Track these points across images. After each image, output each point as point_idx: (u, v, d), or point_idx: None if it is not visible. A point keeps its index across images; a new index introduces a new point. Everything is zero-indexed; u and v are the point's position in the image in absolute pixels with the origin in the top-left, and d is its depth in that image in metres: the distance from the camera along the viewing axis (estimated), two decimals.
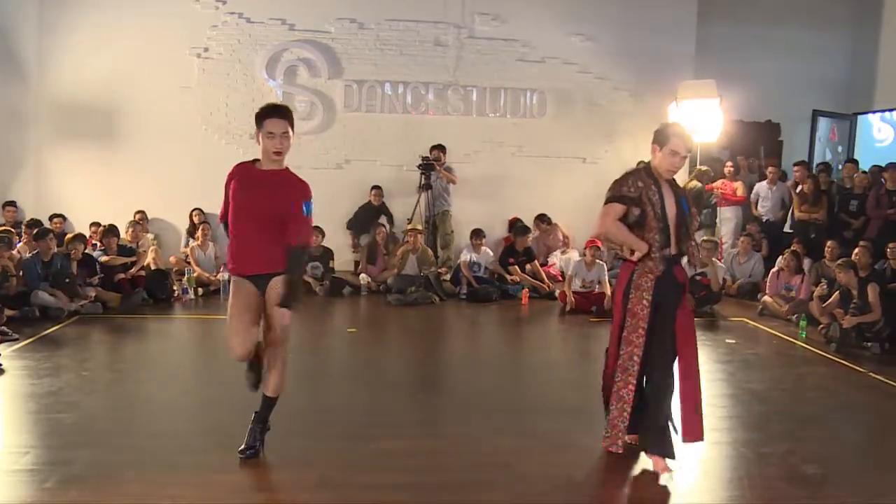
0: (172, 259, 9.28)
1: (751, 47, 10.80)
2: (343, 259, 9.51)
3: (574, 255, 9.34)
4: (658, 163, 3.66)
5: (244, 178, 3.57)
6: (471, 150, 10.25)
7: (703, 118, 9.51)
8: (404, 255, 8.70)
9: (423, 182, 9.40)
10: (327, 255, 8.86)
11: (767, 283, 8.20)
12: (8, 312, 6.46)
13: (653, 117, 10.08)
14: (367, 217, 9.87)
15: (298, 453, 3.51)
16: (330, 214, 8.98)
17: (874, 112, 11.09)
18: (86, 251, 7.89)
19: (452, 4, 10.12)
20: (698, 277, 7.74)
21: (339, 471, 3.62)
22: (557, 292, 8.40)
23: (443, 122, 10.21)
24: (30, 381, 4.99)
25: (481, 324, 7.77)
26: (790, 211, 9.47)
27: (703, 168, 9.95)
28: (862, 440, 4.51)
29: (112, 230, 8.27)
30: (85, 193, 9.63)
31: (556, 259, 9.83)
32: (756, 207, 9.92)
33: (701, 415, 3.64)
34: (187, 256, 8.89)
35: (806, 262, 8.18)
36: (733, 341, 6.78)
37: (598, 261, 8.21)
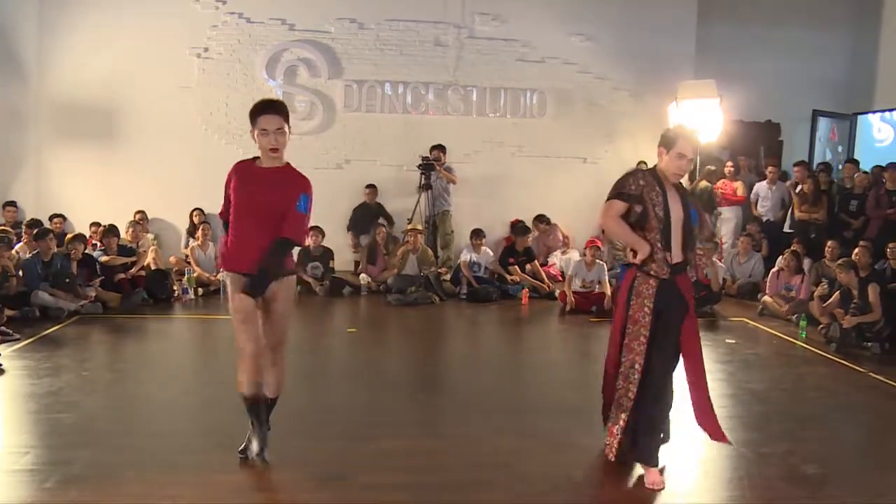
0: (172, 259, 9.29)
1: (751, 47, 10.80)
2: (343, 259, 9.51)
3: (574, 255, 9.34)
4: (665, 166, 3.59)
5: (244, 175, 3.52)
6: (471, 150, 10.25)
7: (703, 118, 9.50)
8: (404, 255, 8.70)
9: (423, 182, 9.40)
10: (327, 255, 8.86)
11: (767, 283, 8.20)
12: (8, 312, 6.46)
13: (653, 117, 10.14)
14: (366, 217, 9.87)
15: (298, 453, 3.51)
16: (330, 214, 8.97)
17: (874, 112, 11.09)
18: (86, 251, 7.89)
19: (452, 4, 10.12)
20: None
21: (339, 471, 3.62)
22: (557, 292, 8.40)
23: (443, 122, 10.21)
24: (30, 381, 4.99)
25: (481, 324, 7.77)
26: (790, 211, 9.47)
27: (713, 168, 9.96)
28: (862, 440, 4.51)
29: (112, 230, 8.27)
30: (85, 193, 9.63)
31: (556, 259, 9.83)
32: (756, 207, 9.92)
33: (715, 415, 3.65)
34: (187, 256, 8.89)
35: (806, 262, 8.18)
36: (733, 341, 6.78)
37: (598, 261, 8.21)
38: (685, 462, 3.84)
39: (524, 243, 9.14)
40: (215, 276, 8.54)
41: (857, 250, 7.13)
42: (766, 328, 7.40)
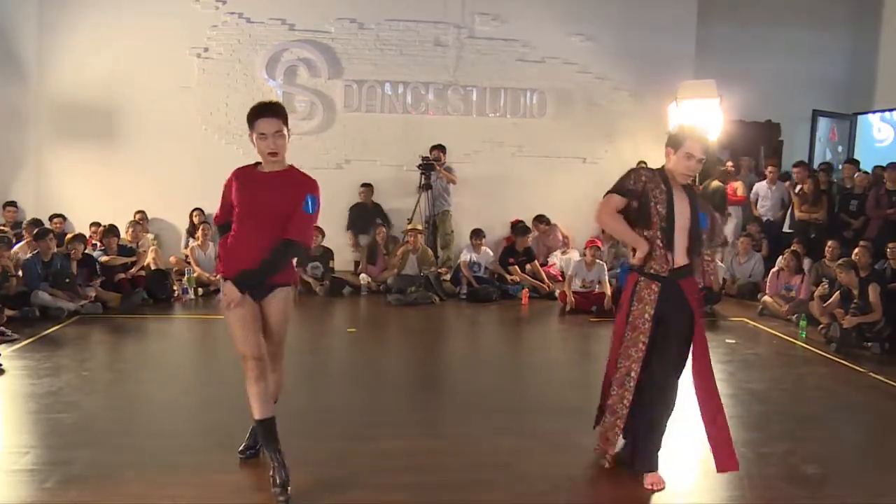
0: (172, 259, 9.29)
1: (751, 47, 10.80)
2: (343, 259, 9.51)
3: (574, 255, 9.34)
4: (672, 167, 3.48)
5: (246, 181, 3.36)
6: (471, 150, 10.25)
7: (704, 118, 9.50)
8: (404, 255, 8.70)
9: (423, 182, 9.40)
10: (327, 255, 8.86)
11: (767, 283, 8.20)
12: (8, 312, 6.47)
13: (653, 117, 10.16)
14: (363, 216, 9.87)
15: (298, 453, 3.50)
16: (330, 215, 8.90)
17: (874, 112, 11.10)
18: (86, 251, 7.89)
19: (452, 4, 10.12)
20: None
21: (339, 471, 3.62)
22: (557, 292, 8.40)
23: (443, 122, 10.21)
24: (30, 381, 4.99)
25: (481, 324, 7.77)
26: (789, 211, 9.47)
27: (724, 168, 9.97)
28: (862, 440, 4.51)
29: (112, 230, 8.28)
30: (85, 193, 9.64)
31: (556, 259, 9.83)
32: (756, 207, 9.92)
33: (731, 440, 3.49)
34: (187, 256, 8.89)
35: (806, 262, 8.18)
36: (733, 341, 6.78)
37: (598, 261, 8.21)
38: (685, 462, 3.84)
39: (524, 243, 9.15)
40: (215, 276, 8.53)
41: (856, 250, 7.13)
42: (766, 328, 7.40)
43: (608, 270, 8.31)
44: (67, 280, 7.25)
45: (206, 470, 3.58)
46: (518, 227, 9.36)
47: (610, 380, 3.65)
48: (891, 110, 10.81)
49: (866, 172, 9.35)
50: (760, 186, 9.96)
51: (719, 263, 8.53)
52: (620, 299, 3.70)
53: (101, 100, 9.62)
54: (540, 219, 10.13)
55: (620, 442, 3.68)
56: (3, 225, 8.69)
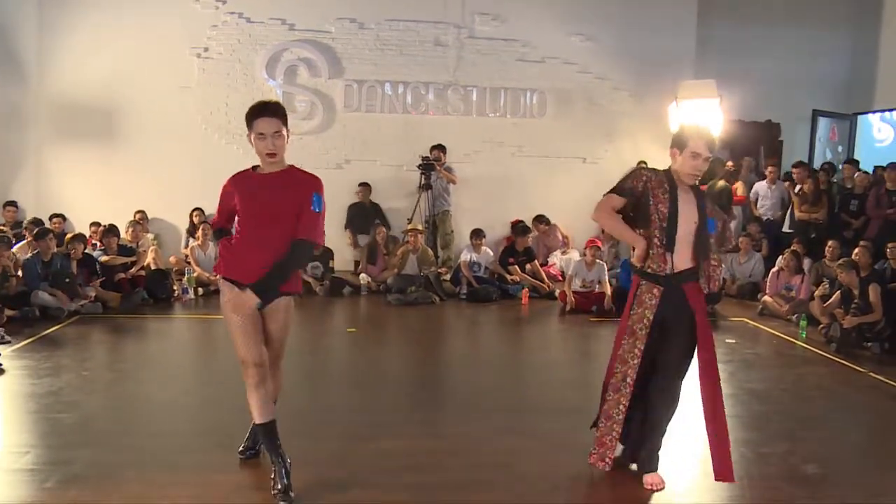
0: (172, 259, 9.29)
1: (751, 47, 10.80)
2: (343, 259, 9.51)
3: (574, 255, 9.34)
4: (679, 167, 3.39)
5: (245, 186, 3.29)
6: (471, 150, 10.25)
7: (704, 118, 9.50)
8: (404, 254, 8.70)
9: (423, 182, 9.40)
10: (327, 254, 8.86)
11: (767, 283, 8.20)
12: (8, 312, 6.48)
13: (653, 117, 10.16)
14: (361, 216, 9.87)
15: (298, 453, 3.50)
16: (329, 214, 8.66)
17: (874, 112, 11.09)
18: (86, 251, 7.89)
19: (452, 4, 10.12)
20: None
21: (339, 471, 3.62)
22: (557, 292, 8.40)
23: (443, 121, 10.21)
24: (30, 381, 4.99)
25: (481, 324, 7.77)
26: (789, 211, 9.47)
27: (729, 167, 9.97)
28: (862, 440, 4.51)
29: (112, 230, 8.28)
30: (85, 193, 9.63)
31: (556, 259, 9.84)
32: (755, 207, 9.92)
33: (729, 451, 3.44)
34: (187, 256, 8.89)
35: (806, 262, 8.18)
36: (733, 341, 6.78)
37: (598, 261, 8.21)
38: (685, 462, 3.84)
39: (524, 243, 9.15)
40: (215, 276, 8.51)
41: (857, 250, 7.14)
42: (766, 328, 7.40)
43: (608, 270, 8.31)
44: (67, 280, 7.25)
45: (205, 470, 3.58)
46: (518, 227, 9.36)
47: (608, 384, 3.61)
48: (891, 110, 10.81)
49: (866, 172, 9.35)
50: (760, 186, 9.96)
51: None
52: (626, 303, 3.64)
53: (101, 100, 9.62)
54: (540, 219, 10.13)
55: (619, 448, 3.66)
56: (3, 225, 8.69)
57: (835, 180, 9.99)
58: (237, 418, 3.84)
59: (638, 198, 3.40)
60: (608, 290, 7.93)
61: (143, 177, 9.68)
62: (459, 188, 9.79)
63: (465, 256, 8.96)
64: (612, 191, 3.47)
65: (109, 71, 9.53)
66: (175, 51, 9.71)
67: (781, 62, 10.87)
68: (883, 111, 10.94)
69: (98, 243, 8.51)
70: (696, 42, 10.48)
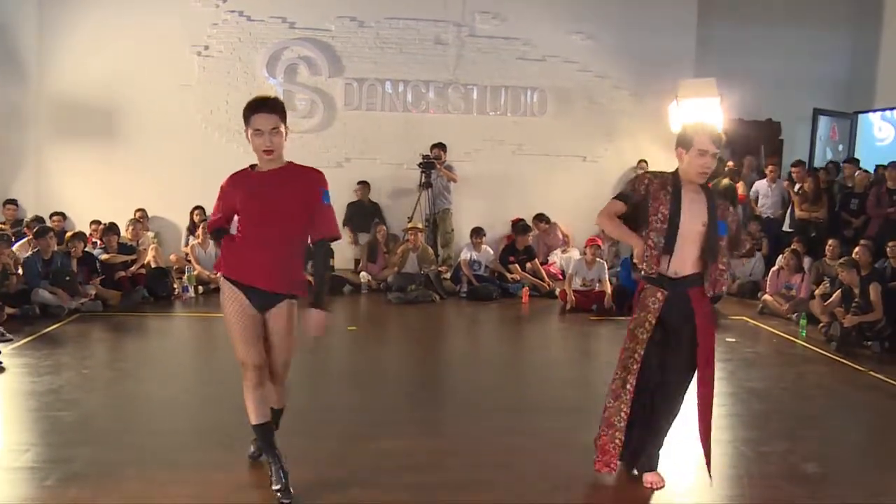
0: (173, 257, 9.29)
1: (751, 46, 10.78)
2: (343, 257, 9.49)
3: (574, 254, 9.34)
4: (686, 167, 3.32)
5: (244, 185, 3.23)
6: (471, 148, 10.25)
7: (704, 117, 9.49)
8: (405, 253, 8.70)
9: (423, 180, 9.40)
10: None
11: (768, 282, 8.20)
12: (8, 310, 6.48)
13: (653, 116, 10.16)
14: (361, 214, 9.87)
15: (298, 453, 3.50)
16: None
17: (875, 111, 11.08)
18: (86, 249, 7.89)
19: (453, 3, 10.11)
20: None
21: (339, 470, 3.62)
22: (558, 291, 8.40)
23: (443, 120, 10.21)
24: (30, 379, 4.99)
25: (481, 322, 7.77)
26: (789, 210, 9.47)
27: (730, 166, 9.97)
28: (862, 439, 4.51)
29: (112, 228, 8.28)
30: (85, 192, 9.63)
31: (556, 258, 9.83)
32: (756, 206, 9.92)
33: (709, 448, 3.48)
34: (188, 254, 8.89)
35: (806, 261, 8.18)
36: (733, 340, 6.78)
37: (598, 259, 8.20)
38: (685, 462, 3.84)
39: (524, 242, 9.15)
40: (215, 274, 8.52)
41: (857, 249, 7.14)
42: (766, 327, 7.40)
43: (608, 269, 8.31)
44: (68, 278, 7.25)
45: (205, 468, 3.58)
46: (518, 226, 9.35)
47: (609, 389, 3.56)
48: (891, 109, 10.80)
49: (867, 171, 9.35)
50: (761, 185, 9.95)
51: None
52: (627, 304, 3.62)
53: (101, 99, 9.61)
54: (540, 217, 10.12)
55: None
56: (4, 223, 8.69)
57: (834, 179, 9.99)
58: (237, 417, 3.83)
59: (639, 202, 3.38)
60: (608, 289, 7.93)
61: (143, 175, 9.67)
62: (460, 186, 9.79)
63: (466, 255, 8.95)
64: (616, 197, 3.47)
65: (109, 70, 9.53)
66: (175, 49, 9.71)
67: (782, 61, 10.85)
68: (883, 110, 10.93)
69: (98, 241, 8.51)
70: (696, 41, 10.46)
